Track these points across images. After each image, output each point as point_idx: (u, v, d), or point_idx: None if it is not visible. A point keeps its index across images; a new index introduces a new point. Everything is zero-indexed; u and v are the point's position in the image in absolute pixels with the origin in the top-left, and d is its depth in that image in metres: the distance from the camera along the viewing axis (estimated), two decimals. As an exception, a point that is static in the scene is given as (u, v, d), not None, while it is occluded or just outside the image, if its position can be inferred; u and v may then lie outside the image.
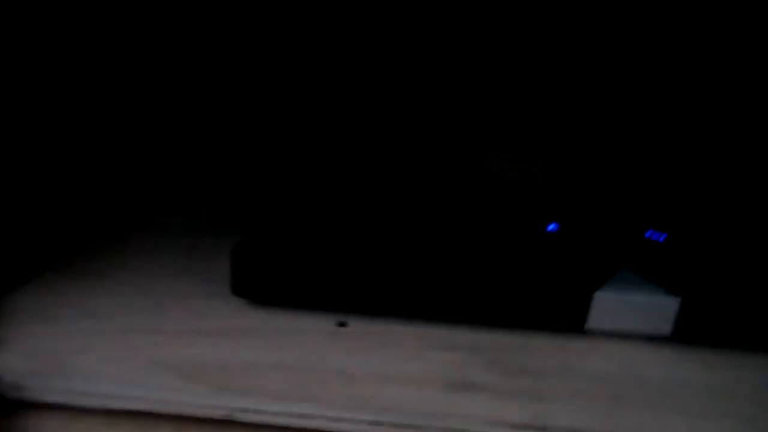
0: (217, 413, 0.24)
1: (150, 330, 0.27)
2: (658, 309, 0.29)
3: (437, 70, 0.43)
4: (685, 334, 0.29)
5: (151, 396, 0.24)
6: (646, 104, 0.43)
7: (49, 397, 0.24)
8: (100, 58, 0.39)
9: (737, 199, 0.36)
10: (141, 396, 0.24)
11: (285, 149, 0.44)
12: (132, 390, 0.24)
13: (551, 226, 0.33)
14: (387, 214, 0.33)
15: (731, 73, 0.39)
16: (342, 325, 0.29)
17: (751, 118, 0.39)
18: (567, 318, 0.29)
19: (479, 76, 0.43)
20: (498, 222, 0.33)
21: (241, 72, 0.45)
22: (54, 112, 0.36)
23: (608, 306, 0.29)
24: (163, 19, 0.43)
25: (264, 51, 0.44)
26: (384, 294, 0.29)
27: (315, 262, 0.29)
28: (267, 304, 0.30)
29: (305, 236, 0.30)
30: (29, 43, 0.32)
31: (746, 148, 0.39)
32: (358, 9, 0.41)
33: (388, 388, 0.25)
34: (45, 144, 0.35)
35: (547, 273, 0.29)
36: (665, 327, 0.29)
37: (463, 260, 0.29)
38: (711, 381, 0.27)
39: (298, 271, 0.29)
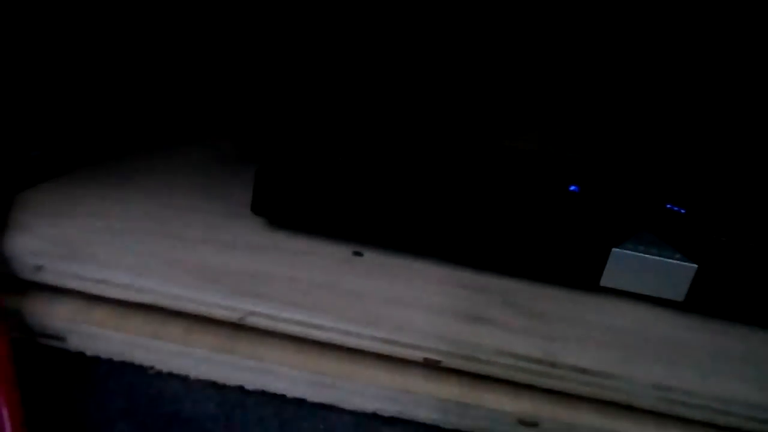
0: (230, 315, 0.24)
1: (168, 235, 0.27)
2: (673, 273, 0.29)
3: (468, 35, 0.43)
4: (698, 302, 0.29)
5: (165, 291, 0.24)
6: (667, 89, 0.43)
7: (66, 281, 0.24)
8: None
9: (762, 175, 0.36)
10: (155, 289, 0.24)
11: (315, 81, 0.44)
12: (147, 283, 0.24)
13: (573, 187, 0.33)
14: (415, 154, 0.33)
15: (757, 50, 0.39)
16: (357, 254, 0.29)
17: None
18: (582, 272, 0.29)
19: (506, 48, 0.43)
20: (522, 175, 0.33)
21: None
22: (86, 34, 0.36)
23: (624, 264, 0.29)
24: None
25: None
26: (403, 229, 0.29)
27: (336, 188, 0.29)
28: (285, 225, 0.30)
29: (328, 162, 0.30)
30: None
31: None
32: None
33: (402, 311, 0.25)
34: (78, 52, 0.35)
35: (565, 226, 0.29)
36: (679, 292, 0.29)
37: (484, 206, 0.29)
38: (722, 346, 0.27)
39: (319, 196, 0.29)
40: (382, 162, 0.31)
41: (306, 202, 0.29)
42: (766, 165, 0.38)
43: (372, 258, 0.29)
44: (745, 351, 0.27)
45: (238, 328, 0.24)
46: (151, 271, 0.24)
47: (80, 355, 0.24)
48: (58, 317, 0.24)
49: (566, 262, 0.29)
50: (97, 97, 0.38)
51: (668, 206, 0.33)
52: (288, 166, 0.29)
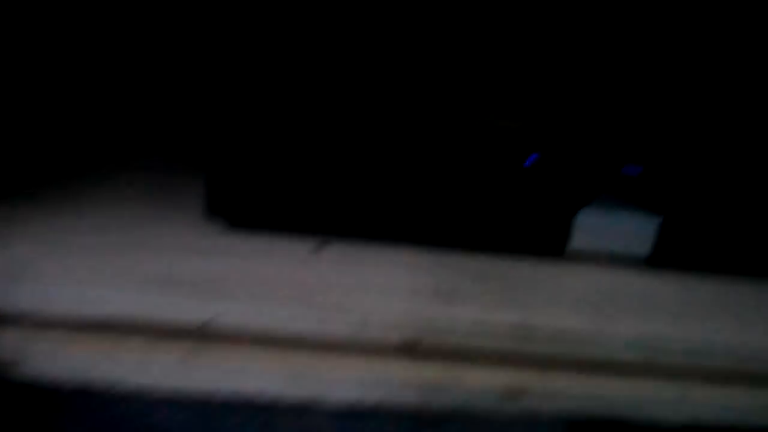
0: (192, 322, 0.23)
1: (121, 245, 0.26)
2: (636, 229, 0.29)
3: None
4: (662, 256, 0.29)
5: (121, 301, 0.22)
6: (620, 50, 0.43)
7: (12, 306, 0.22)
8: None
9: (718, 124, 0.37)
10: (108, 302, 0.22)
11: (265, 72, 0.42)
12: (99, 296, 0.22)
13: (533, 157, 0.33)
14: (370, 138, 0.32)
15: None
16: (321, 246, 0.28)
17: (722, 48, 0.39)
18: (549, 240, 0.29)
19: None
20: (481, 155, 0.33)
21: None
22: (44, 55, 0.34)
23: (589, 227, 0.29)
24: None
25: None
26: (365, 217, 0.28)
27: (290, 178, 0.28)
28: (243, 225, 0.29)
29: (280, 153, 0.29)
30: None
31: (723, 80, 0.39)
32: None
33: (374, 296, 0.24)
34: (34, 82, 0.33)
35: (527, 197, 0.29)
36: (644, 248, 0.29)
37: (446, 184, 0.29)
38: (689, 295, 0.27)
39: (274, 187, 0.28)
40: (337, 147, 0.30)
41: (262, 194, 0.28)
42: (714, 115, 0.39)
43: (335, 249, 0.28)
44: (712, 297, 0.27)
45: (201, 334, 0.23)
46: (102, 284, 0.23)
47: (36, 382, 0.22)
48: (7, 345, 0.22)
49: (532, 232, 0.29)
50: (32, 113, 0.36)
51: (624, 166, 0.33)
52: (239, 160, 0.28)
